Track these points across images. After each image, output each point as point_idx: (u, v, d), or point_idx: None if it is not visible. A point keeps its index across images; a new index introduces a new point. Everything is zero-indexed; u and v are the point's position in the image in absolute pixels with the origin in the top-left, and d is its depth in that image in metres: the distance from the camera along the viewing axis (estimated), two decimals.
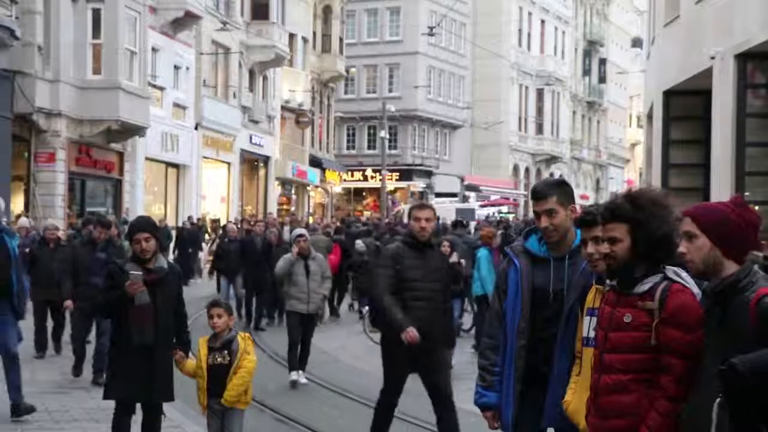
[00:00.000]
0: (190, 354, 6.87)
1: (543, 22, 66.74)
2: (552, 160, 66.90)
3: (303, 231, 12.71)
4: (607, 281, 3.98)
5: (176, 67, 32.59)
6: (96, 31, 26.20)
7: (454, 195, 56.16)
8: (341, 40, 48.55)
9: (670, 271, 3.75)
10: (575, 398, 4.39)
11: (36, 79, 24.50)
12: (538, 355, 4.76)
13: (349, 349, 15.24)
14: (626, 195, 3.87)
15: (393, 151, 52.65)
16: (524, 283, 4.83)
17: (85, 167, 27.27)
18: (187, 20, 32.08)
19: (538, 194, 4.84)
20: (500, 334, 4.92)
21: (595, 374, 3.90)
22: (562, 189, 4.88)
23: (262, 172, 41.29)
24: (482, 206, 52.28)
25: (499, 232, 17.78)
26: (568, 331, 4.64)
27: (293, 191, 45.20)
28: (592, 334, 4.19)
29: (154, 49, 30.09)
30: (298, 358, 11.76)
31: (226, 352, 6.63)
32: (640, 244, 3.75)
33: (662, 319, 3.64)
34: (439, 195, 55.84)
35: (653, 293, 3.71)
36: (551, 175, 66.17)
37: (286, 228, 24.19)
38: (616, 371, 3.77)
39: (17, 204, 24.86)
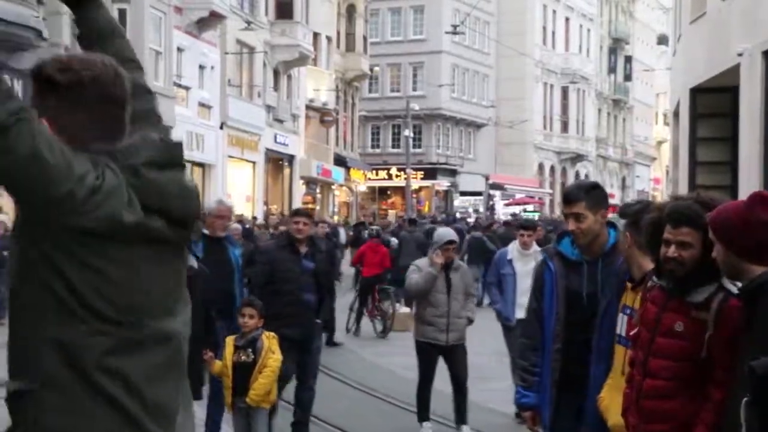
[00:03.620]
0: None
1: (567, 19, 66.43)
2: (577, 158, 66.61)
3: (452, 234, 9.20)
4: (653, 278, 3.89)
5: (201, 67, 32.70)
6: None
7: (478, 194, 56.05)
8: (365, 39, 48.53)
9: (726, 280, 3.64)
10: (608, 395, 4.40)
11: None
12: (573, 359, 4.76)
13: (395, 355, 15.13)
14: (698, 201, 3.70)
15: (417, 150, 52.57)
16: (558, 286, 4.84)
17: None
18: (212, 20, 32.18)
19: (567, 197, 4.85)
20: (539, 335, 4.93)
21: (638, 376, 3.85)
22: (591, 194, 4.84)
23: (286, 171, 41.35)
24: (507, 205, 52.24)
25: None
26: (603, 334, 4.62)
27: (318, 190, 45.24)
28: (623, 332, 4.16)
29: (179, 49, 30.21)
30: (429, 400, 9.04)
31: (250, 350, 6.65)
32: (709, 252, 3.52)
33: (717, 335, 3.55)
34: (463, 194, 55.80)
35: (709, 304, 3.61)
36: (577, 173, 65.97)
37: (341, 230, 23.45)
38: (661, 377, 3.72)
39: None
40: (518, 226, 11.04)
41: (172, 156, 2.39)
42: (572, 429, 4.81)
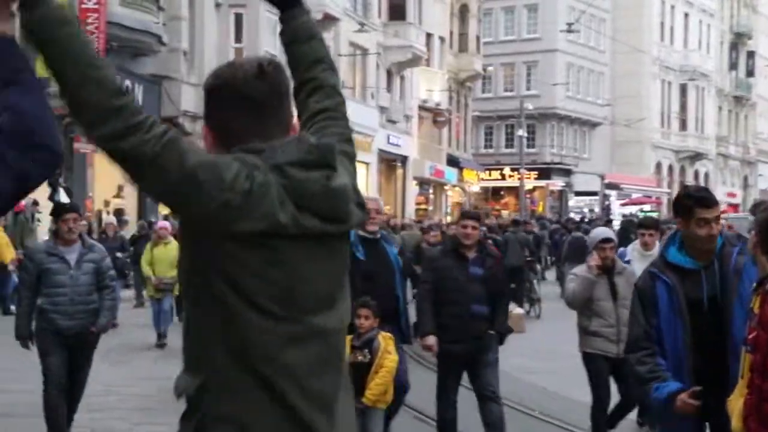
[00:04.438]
0: None
1: (686, 15, 64.85)
2: (696, 157, 64.95)
3: (606, 232, 8.34)
4: None
5: None
6: (238, 35, 26.87)
7: (594, 194, 55.28)
8: (478, 38, 48.37)
9: None
10: (735, 398, 4.25)
11: (181, 83, 25.28)
12: (708, 368, 4.66)
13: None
14: None
15: (531, 150, 52.10)
16: (679, 298, 4.73)
17: None
18: (325, 22, 32.53)
19: (710, 201, 4.76)
20: (654, 350, 4.78)
21: (758, 380, 3.72)
22: None
23: (399, 171, 41.49)
24: (623, 205, 51.32)
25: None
26: (735, 336, 4.51)
27: (431, 191, 45.27)
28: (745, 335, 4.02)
29: None
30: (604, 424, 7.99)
31: (366, 350, 6.66)
32: None
33: None
34: (578, 194, 55.11)
35: None
36: (696, 173, 64.40)
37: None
38: None
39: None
40: (638, 225, 10.00)
41: (320, 157, 2.42)
42: None
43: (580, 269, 7.96)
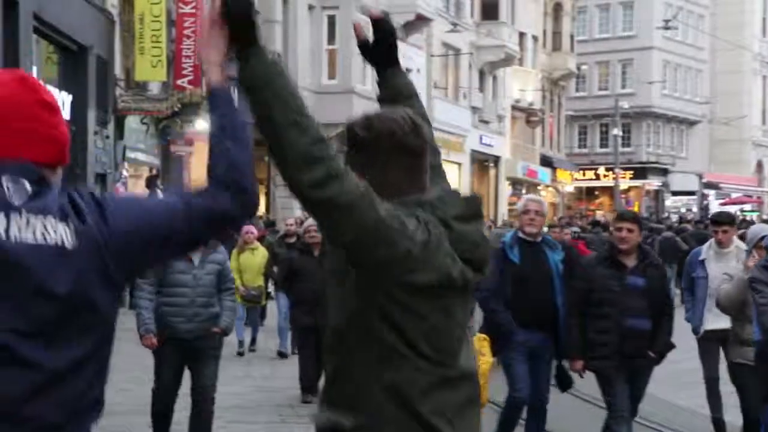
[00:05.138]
0: None
1: None
2: None
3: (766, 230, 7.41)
4: None
5: (407, 70, 33.10)
6: (331, 36, 27.07)
7: (692, 193, 54.19)
8: (572, 37, 47.82)
9: None
10: None
11: None
12: None
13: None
14: None
15: (626, 149, 51.31)
16: None
17: None
18: (417, 23, 32.55)
19: None
20: None
21: None
22: None
23: (492, 172, 41.29)
24: (722, 204, 50.10)
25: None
26: None
27: (524, 191, 44.93)
28: None
29: None
30: None
31: None
32: None
33: None
34: (675, 193, 54.07)
35: None
36: None
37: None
38: None
39: (259, 206, 26.03)
40: (712, 221, 8.97)
41: (474, 208, 2.58)
42: None
43: (734, 268, 7.29)
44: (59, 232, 2.04)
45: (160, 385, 7.17)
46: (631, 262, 6.62)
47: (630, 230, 6.61)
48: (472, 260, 2.50)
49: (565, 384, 7.21)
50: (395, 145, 2.52)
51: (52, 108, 2.18)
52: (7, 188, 2.05)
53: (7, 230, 2.01)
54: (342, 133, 2.65)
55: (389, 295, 2.42)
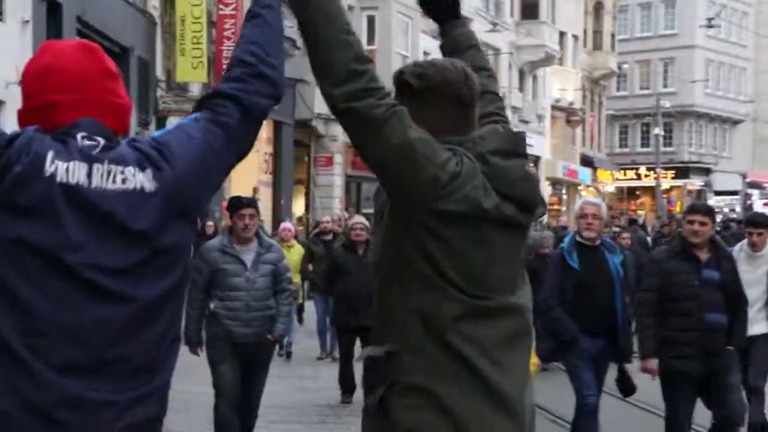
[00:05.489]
0: None
1: None
2: None
3: None
4: None
5: None
6: (370, 36, 27.06)
7: (735, 193, 53.57)
8: (613, 36, 47.48)
9: None
10: None
11: (315, 86, 25.38)
12: None
13: None
14: None
15: (668, 149, 50.86)
16: None
17: (360, 170, 28.15)
18: None
19: None
20: None
21: None
22: None
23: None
24: (766, 204, 49.46)
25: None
26: None
27: (564, 191, 44.67)
28: None
29: (425, 53, 30.66)
30: None
31: None
32: None
33: None
34: (718, 193, 53.47)
35: None
36: None
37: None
38: None
39: (298, 206, 26.13)
40: (746, 223, 8.53)
41: (516, 145, 2.62)
42: None
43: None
44: (138, 178, 2.23)
45: (221, 394, 6.78)
46: (704, 255, 6.38)
47: (703, 223, 6.37)
48: (512, 197, 2.52)
49: (629, 390, 6.99)
50: (446, 94, 2.58)
51: (116, 77, 2.36)
52: (85, 142, 2.22)
53: (89, 177, 2.19)
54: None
55: (420, 223, 2.47)
